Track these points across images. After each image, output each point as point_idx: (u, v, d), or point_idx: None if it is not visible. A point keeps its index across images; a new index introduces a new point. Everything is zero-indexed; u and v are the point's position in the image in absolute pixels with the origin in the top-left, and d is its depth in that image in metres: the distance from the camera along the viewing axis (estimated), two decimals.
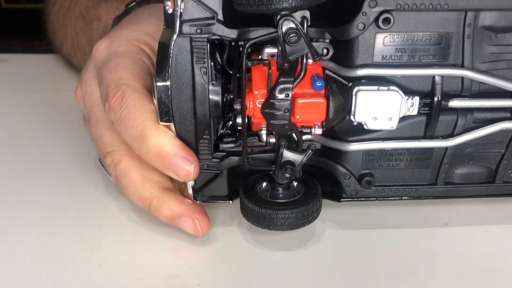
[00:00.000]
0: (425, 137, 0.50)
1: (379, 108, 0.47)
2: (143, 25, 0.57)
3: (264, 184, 0.53)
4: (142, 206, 0.52)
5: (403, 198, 0.54)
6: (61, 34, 0.86)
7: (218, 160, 0.51)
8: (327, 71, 0.49)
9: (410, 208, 0.56)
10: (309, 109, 0.48)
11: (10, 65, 0.96)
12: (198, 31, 0.46)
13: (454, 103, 0.49)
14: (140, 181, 0.51)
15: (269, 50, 0.48)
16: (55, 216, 0.55)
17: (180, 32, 0.46)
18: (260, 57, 0.49)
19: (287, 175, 0.50)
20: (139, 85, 0.51)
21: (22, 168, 0.64)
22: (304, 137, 0.50)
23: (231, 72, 0.50)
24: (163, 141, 0.48)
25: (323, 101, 0.47)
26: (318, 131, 0.50)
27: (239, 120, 0.50)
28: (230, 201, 0.54)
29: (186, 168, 0.48)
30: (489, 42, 0.47)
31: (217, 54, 0.50)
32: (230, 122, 0.53)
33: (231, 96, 0.50)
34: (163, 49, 0.47)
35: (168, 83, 0.47)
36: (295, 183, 0.53)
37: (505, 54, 0.48)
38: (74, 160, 0.65)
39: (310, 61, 0.48)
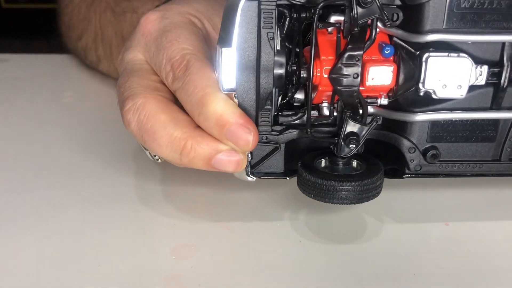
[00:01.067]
0: (491, 108, 0.49)
1: (449, 75, 0.47)
2: (193, 3, 0.57)
3: (323, 160, 0.52)
4: (174, 149, 0.48)
5: (469, 174, 0.52)
6: (81, 27, 0.85)
7: (277, 133, 0.50)
8: (394, 39, 0.48)
9: (410, 208, 0.56)
10: (378, 75, 0.47)
11: (10, 65, 0.96)
12: None
13: None
14: (171, 121, 0.48)
15: (336, 18, 0.47)
16: (55, 216, 0.54)
17: None
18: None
19: (352, 146, 0.49)
20: (202, 55, 0.50)
21: (22, 168, 0.63)
22: (372, 110, 0.49)
23: (290, 46, 0.50)
24: (223, 108, 0.46)
25: (393, 66, 0.47)
26: (384, 101, 0.49)
27: (298, 96, 0.49)
28: (287, 178, 0.52)
29: (245, 136, 0.46)
30: None
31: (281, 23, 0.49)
32: (289, 95, 0.52)
33: (295, 67, 0.49)
34: (230, 13, 0.46)
35: (233, 48, 0.46)
36: (354, 162, 0.52)
37: None
38: (74, 160, 0.64)
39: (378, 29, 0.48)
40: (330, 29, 0.48)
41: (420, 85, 0.47)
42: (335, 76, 0.46)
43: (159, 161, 0.54)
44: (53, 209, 0.55)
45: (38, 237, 0.51)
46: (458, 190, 0.58)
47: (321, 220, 0.53)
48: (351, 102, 0.48)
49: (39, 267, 0.47)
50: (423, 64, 0.46)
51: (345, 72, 0.46)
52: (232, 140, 0.47)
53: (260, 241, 0.50)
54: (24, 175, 0.61)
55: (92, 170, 0.62)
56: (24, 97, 0.82)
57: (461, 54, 0.46)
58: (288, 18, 0.49)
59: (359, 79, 0.46)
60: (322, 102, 0.50)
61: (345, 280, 0.46)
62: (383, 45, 0.47)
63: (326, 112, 0.50)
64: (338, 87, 0.46)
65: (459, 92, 0.47)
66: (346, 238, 0.51)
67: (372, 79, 0.47)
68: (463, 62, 0.46)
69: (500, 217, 0.54)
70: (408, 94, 0.49)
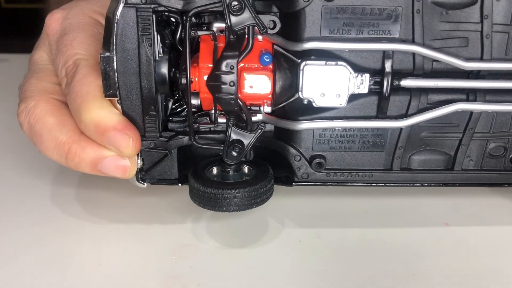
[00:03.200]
0: (377, 117, 0.49)
1: (327, 84, 0.46)
2: None
3: (216, 167, 0.52)
4: (59, 153, 0.49)
5: (357, 184, 0.52)
6: None
7: (166, 139, 0.50)
8: (275, 46, 0.48)
9: (410, 207, 0.55)
10: (254, 83, 0.46)
11: (10, 65, 0.97)
12: (143, 0, 0.45)
13: (406, 82, 0.47)
14: (57, 125, 0.48)
15: (218, 25, 0.47)
16: (55, 216, 0.54)
17: (126, 2, 0.45)
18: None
19: (235, 154, 0.49)
20: (94, 61, 0.50)
21: (22, 167, 0.63)
22: (255, 118, 0.49)
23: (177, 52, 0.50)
24: (100, 115, 0.46)
25: (269, 75, 0.46)
26: (267, 109, 0.49)
27: (194, 102, 0.49)
28: (179, 184, 0.52)
29: (125, 142, 0.47)
30: (440, 18, 0.46)
31: (168, 31, 0.49)
32: (175, 101, 0.52)
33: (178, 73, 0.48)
34: (109, 19, 0.46)
35: (112, 54, 0.46)
36: (246, 168, 0.52)
37: (456, 32, 0.47)
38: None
39: (260, 37, 0.48)
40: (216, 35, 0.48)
41: (300, 94, 0.47)
42: (212, 83, 0.46)
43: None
44: (53, 208, 0.55)
45: (38, 237, 0.51)
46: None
47: (320, 220, 0.53)
48: (231, 110, 0.47)
49: (39, 267, 0.47)
50: (301, 72, 0.46)
51: (221, 80, 0.45)
52: (113, 145, 0.47)
53: (260, 241, 0.50)
54: (24, 173, 0.62)
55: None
56: None
57: (339, 63, 0.46)
58: (181, 24, 0.49)
59: (235, 87, 0.46)
60: (212, 109, 0.50)
61: (345, 280, 0.45)
62: (263, 53, 0.47)
63: (218, 119, 0.50)
64: (216, 94, 0.46)
65: (338, 101, 0.47)
66: (346, 237, 0.51)
67: (250, 87, 0.47)
68: (341, 71, 0.46)
69: (500, 217, 0.54)
70: (294, 103, 0.48)
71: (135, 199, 0.56)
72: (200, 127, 0.51)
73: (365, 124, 0.49)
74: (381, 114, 0.49)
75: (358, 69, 0.47)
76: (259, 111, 0.49)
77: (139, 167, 0.51)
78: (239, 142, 0.49)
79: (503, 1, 0.46)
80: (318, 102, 0.47)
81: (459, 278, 0.46)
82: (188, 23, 0.45)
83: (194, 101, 0.50)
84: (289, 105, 0.49)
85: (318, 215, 0.53)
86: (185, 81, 0.47)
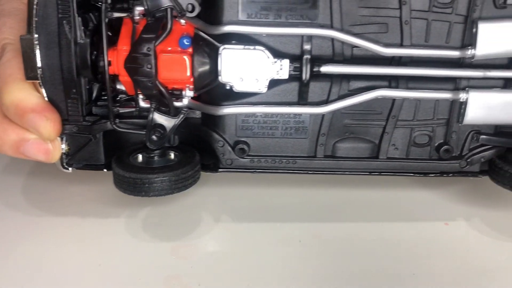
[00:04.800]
0: (298, 103, 0.49)
1: (245, 68, 0.46)
2: None
3: (141, 154, 0.51)
4: None
5: (281, 170, 0.51)
6: None
7: (90, 123, 0.50)
8: (196, 30, 0.47)
9: (410, 207, 0.55)
10: (172, 66, 0.46)
11: None
12: None
13: (326, 68, 0.47)
14: None
15: (140, 8, 0.47)
16: (54, 216, 0.53)
17: None
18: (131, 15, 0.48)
19: (155, 138, 0.49)
20: None
21: (23, 166, 0.62)
22: (180, 103, 0.49)
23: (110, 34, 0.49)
24: (20, 97, 0.46)
25: (186, 57, 0.46)
26: (190, 93, 0.48)
27: (121, 87, 0.49)
28: (105, 170, 0.52)
29: (44, 124, 0.46)
30: (359, 3, 0.46)
31: (93, 15, 0.49)
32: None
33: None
34: (30, 2, 0.46)
35: (32, 36, 0.46)
36: (172, 153, 0.52)
37: (376, 17, 0.47)
38: None
39: (182, 21, 0.47)
40: (137, 18, 0.48)
41: (220, 78, 0.47)
42: (129, 65, 0.46)
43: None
44: (53, 208, 0.54)
45: (38, 237, 0.50)
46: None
47: (320, 220, 0.53)
48: (150, 93, 0.47)
49: (39, 266, 0.46)
50: (219, 56, 0.46)
51: (138, 62, 0.45)
52: (32, 127, 0.47)
53: (260, 241, 0.50)
54: (24, 173, 0.61)
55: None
56: None
57: (257, 47, 0.46)
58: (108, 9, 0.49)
59: (153, 69, 0.45)
60: (138, 94, 0.50)
61: (345, 280, 0.45)
62: (183, 36, 0.47)
63: (142, 104, 0.50)
64: (134, 77, 0.46)
65: (257, 86, 0.47)
66: (346, 237, 0.50)
67: (168, 70, 0.46)
68: (258, 55, 0.46)
69: (500, 217, 0.53)
70: (218, 88, 0.48)
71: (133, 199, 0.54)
72: (124, 111, 0.51)
73: (285, 110, 0.48)
74: (302, 100, 0.49)
75: (278, 54, 0.47)
76: (180, 95, 0.49)
77: (63, 151, 0.50)
78: (161, 126, 0.49)
79: None
80: (238, 87, 0.47)
81: (459, 278, 0.46)
82: (103, 5, 0.45)
83: (120, 86, 0.50)
84: (213, 90, 0.49)
85: (319, 216, 0.53)
86: (103, 64, 0.47)
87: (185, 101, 0.49)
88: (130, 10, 0.48)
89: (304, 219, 0.53)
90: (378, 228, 0.52)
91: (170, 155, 0.52)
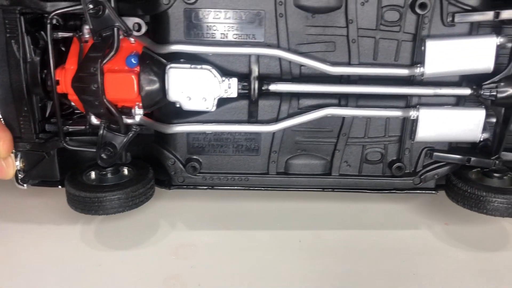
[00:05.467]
0: (249, 121, 0.49)
1: (192, 87, 0.46)
2: None
3: (94, 171, 0.51)
4: None
5: (234, 187, 0.51)
6: None
7: (43, 141, 0.50)
8: (144, 49, 0.47)
9: (410, 207, 0.55)
10: (119, 85, 0.46)
11: None
12: (6, 3, 0.45)
13: (275, 86, 0.47)
14: None
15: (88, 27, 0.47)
16: (54, 216, 0.53)
17: None
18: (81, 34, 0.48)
19: (104, 156, 0.49)
20: None
21: None
22: (132, 121, 0.49)
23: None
24: None
25: (132, 76, 0.46)
26: (139, 111, 0.48)
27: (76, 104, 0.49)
28: (60, 186, 0.52)
29: None
30: (306, 22, 0.46)
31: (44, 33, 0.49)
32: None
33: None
34: None
35: None
36: (126, 169, 0.52)
37: (323, 36, 0.46)
38: None
39: (132, 39, 0.47)
40: (87, 37, 0.48)
41: (167, 96, 0.46)
42: (76, 85, 0.46)
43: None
44: (53, 208, 0.54)
45: (38, 237, 0.50)
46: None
47: (320, 220, 0.53)
48: (98, 112, 0.47)
49: (39, 267, 0.46)
50: (166, 75, 0.46)
51: (85, 81, 0.45)
52: None
53: (260, 241, 0.50)
54: None
55: None
56: None
57: (204, 66, 0.46)
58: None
59: (100, 89, 0.45)
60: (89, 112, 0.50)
61: (345, 280, 0.45)
62: (130, 55, 0.47)
63: (94, 121, 0.50)
64: (81, 96, 0.46)
65: (205, 105, 0.47)
66: (346, 237, 0.50)
67: (115, 89, 0.46)
68: (205, 74, 0.46)
69: (499, 218, 0.51)
70: (169, 106, 0.48)
71: None
72: (76, 129, 0.51)
73: (234, 128, 0.48)
74: (252, 118, 0.49)
75: (227, 73, 0.47)
76: (130, 114, 0.48)
77: (18, 168, 0.50)
78: (111, 144, 0.49)
79: (368, 6, 0.45)
80: (186, 106, 0.47)
81: (459, 278, 0.46)
82: (49, 25, 0.45)
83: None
84: (164, 108, 0.49)
85: (319, 216, 0.53)
86: (50, 83, 0.47)
87: (137, 119, 0.49)
88: (79, 29, 0.48)
89: (304, 223, 0.53)
90: (378, 229, 0.52)
91: (124, 172, 0.52)
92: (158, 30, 0.46)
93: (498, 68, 0.47)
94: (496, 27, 0.48)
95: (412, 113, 0.48)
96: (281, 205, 0.55)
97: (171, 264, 0.47)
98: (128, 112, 0.49)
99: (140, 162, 0.52)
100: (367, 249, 0.49)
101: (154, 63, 0.47)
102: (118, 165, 0.51)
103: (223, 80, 0.46)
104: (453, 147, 0.52)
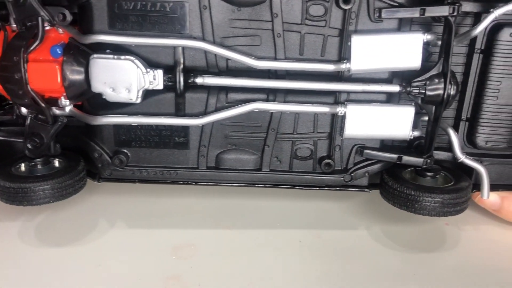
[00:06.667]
0: (176, 115, 0.48)
1: (115, 78, 0.46)
2: None
3: (23, 162, 0.51)
4: None
5: (163, 182, 0.51)
6: None
7: None
8: (71, 39, 0.47)
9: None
10: (42, 74, 0.46)
11: None
12: None
13: (202, 79, 0.47)
14: None
15: None
16: (54, 216, 0.52)
17: None
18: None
19: (31, 147, 0.48)
20: None
21: None
22: (60, 111, 0.49)
23: None
24: None
25: (56, 67, 0.46)
26: (66, 102, 0.48)
27: None
28: None
29: None
30: (232, 15, 0.46)
31: None
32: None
33: None
34: None
35: None
36: (56, 161, 0.51)
37: (249, 30, 0.46)
38: None
39: (61, 30, 0.47)
40: (14, 26, 0.47)
41: (91, 88, 0.46)
42: (0, 74, 0.46)
43: None
44: (53, 208, 0.53)
45: (38, 237, 0.50)
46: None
47: (320, 220, 0.53)
48: (23, 102, 0.47)
49: (39, 266, 0.46)
50: (90, 66, 0.45)
51: (8, 71, 0.45)
52: None
53: (259, 241, 0.49)
54: None
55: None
56: None
57: (127, 57, 0.45)
58: None
59: (23, 78, 0.45)
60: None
61: (346, 280, 0.45)
62: (55, 45, 0.46)
63: (23, 111, 0.49)
64: (5, 85, 0.46)
65: (129, 96, 0.46)
66: (346, 237, 0.50)
67: (38, 79, 0.46)
68: (128, 65, 0.45)
69: (499, 218, 0.53)
70: (96, 97, 0.48)
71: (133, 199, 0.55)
72: (5, 119, 0.50)
73: (160, 121, 0.48)
74: (179, 111, 0.48)
75: (153, 65, 0.46)
76: (57, 105, 0.48)
77: None
78: (38, 135, 0.49)
79: (293, 0, 0.45)
80: (109, 97, 0.46)
81: (459, 278, 0.45)
82: None
83: None
84: (93, 99, 0.48)
85: (322, 216, 0.53)
86: None
87: (67, 109, 0.49)
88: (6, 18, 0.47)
89: (302, 223, 0.52)
90: (378, 228, 0.51)
91: (55, 163, 0.51)
92: (83, 20, 0.46)
93: (430, 66, 0.47)
94: (428, 24, 0.48)
95: (340, 110, 0.47)
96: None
97: (171, 264, 0.46)
98: (55, 103, 0.48)
99: (72, 154, 0.52)
100: (367, 248, 0.49)
101: (80, 54, 0.47)
102: (48, 156, 0.51)
103: (148, 72, 0.46)
104: (388, 145, 0.52)
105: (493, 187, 0.52)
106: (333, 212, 0.54)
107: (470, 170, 0.51)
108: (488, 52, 0.48)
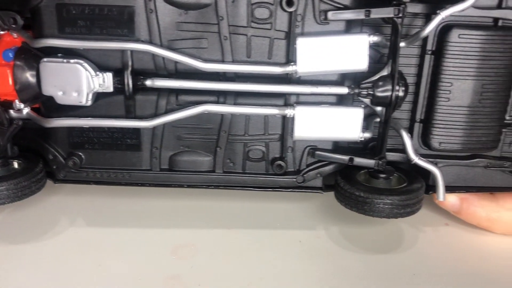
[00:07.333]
0: (127, 117, 0.49)
1: (64, 81, 0.46)
2: None
3: None
4: None
5: (117, 184, 0.52)
6: None
7: None
8: (23, 43, 0.48)
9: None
10: None
11: None
12: None
13: (151, 82, 0.47)
14: None
15: None
16: (54, 216, 0.54)
17: None
18: None
19: None
20: None
21: None
22: (17, 114, 0.49)
23: None
24: None
25: (6, 70, 0.47)
26: (21, 105, 0.49)
27: None
28: None
29: None
30: (178, 19, 0.46)
31: None
32: None
33: None
34: None
35: None
36: (16, 163, 0.52)
37: (196, 33, 0.47)
38: None
39: (15, 34, 0.48)
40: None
41: (42, 91, 0.47)
42: None
43: None
44: (53, 208, 0.55)
45: (38, 237, 0.50)
46: None
47: (320, 220, 0.53)
48: None
49: (39, 267, 0.47)
50: (40, 70, 0.46)
51: None
52: None
53: (259, 241, 0.50)
54: None
55: None
56: None
57: (76, 60, 0.46)
58: None
59: None
60: None
61: (346, 280, 0.45)
62: (9, 49, 0.47)
63: None
64: None
65: (78, 99, 0.47)
66: (346, 237, 0.51)
67: None
68: (76, 69, 0.46)
69: None
70: (50, 100, 0.48)
71: (133, 199, 0.56)
72: None
73: (109, 123, 0.49)
74: (129, 113, 0.49)
75: (103, 68, 0.47)
76: (13, 108, 0.49)
77: None
78: None
79: (237, 3, 0.45)
80: (60, 100, 0.47)
81: (459, 278, 0.46)
82: None
83: None
84: (47, 102, 0.49)
85: (321, 216, 0.54)
86: None
87: (24, 112, 0.49)
88: None
89: (303, 222, 0.53)
90: (377, 229, 0.51)
91: (14, 165, 0.52)
92: (35, 25, 0.47)
93: (381, 68, 0.47)
94: (379, 26, 0.48)
95: (288, 111, 0.47)
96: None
97: (171, 264, 0.47)
98: (10, 106, 0.49)
99: (33, 156, 0.53)
100: (367, 248, 0.49)
101: (31, 58, 0.47)
102: (6, 158, 0.51)
103: (97, 75, 0.46)
104: (342, 146, 0.52)
105: (452, 189, 0.52)
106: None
107: (428, 172, 0.51)
108: (439, 53, 0.48)
